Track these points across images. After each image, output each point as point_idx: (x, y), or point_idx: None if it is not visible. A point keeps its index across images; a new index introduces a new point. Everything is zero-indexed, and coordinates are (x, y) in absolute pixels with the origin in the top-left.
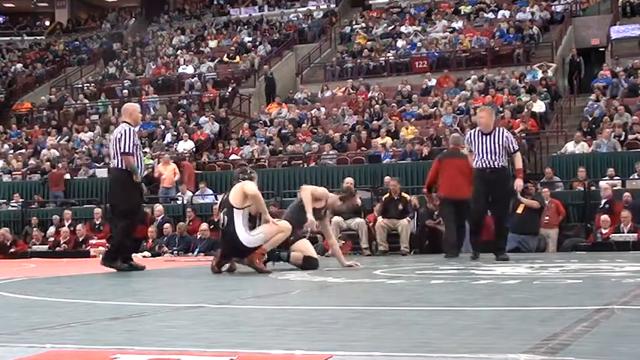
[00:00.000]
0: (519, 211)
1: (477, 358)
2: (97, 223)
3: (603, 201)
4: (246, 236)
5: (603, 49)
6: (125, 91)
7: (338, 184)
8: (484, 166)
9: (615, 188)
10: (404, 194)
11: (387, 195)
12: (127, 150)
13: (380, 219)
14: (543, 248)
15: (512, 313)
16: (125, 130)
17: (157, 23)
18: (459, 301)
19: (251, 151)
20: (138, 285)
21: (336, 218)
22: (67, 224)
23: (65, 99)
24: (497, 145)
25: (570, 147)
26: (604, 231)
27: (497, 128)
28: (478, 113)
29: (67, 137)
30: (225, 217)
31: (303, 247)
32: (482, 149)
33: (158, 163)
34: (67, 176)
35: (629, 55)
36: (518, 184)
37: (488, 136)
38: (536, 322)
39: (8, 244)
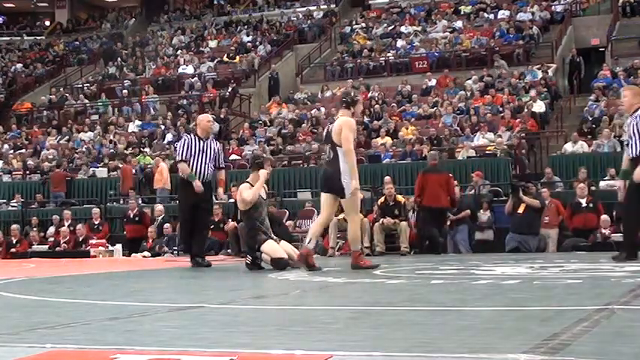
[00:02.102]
0: (520, 211)
1: (477, 358)
2: (96, 223)
3: (583, 200)
4: (345, 176)
5: (603, 49)
6: (125, 91)
7: None
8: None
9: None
10: (399, 197)
11: (382, 200)
12: (179, 157)
13: (379, 222)
14: (543, 248)
15: (512, 313)
16: (183, 139)
17: (157, 23)
18: (459, 301)
19: (251, 151)
20: (138, 285)
21: (334, 220)
22: (66, 224)
23: (65, 99)
24: None
25: (569, 147)
26: (604, 231)
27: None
28: (622, 92)
29: (67, 137)
30: (331, 151)
31: (270, 249)
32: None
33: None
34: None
35: (629, 55)
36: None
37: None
38: (536, 322)
39: (14, 241)
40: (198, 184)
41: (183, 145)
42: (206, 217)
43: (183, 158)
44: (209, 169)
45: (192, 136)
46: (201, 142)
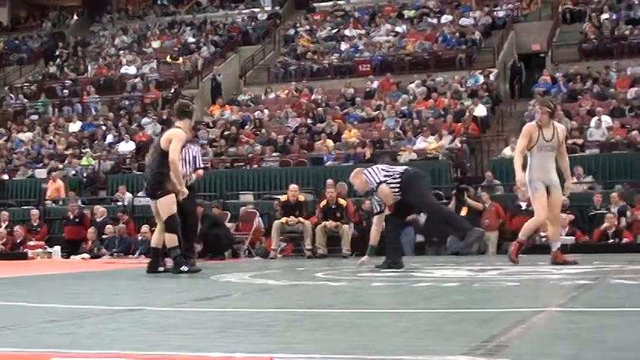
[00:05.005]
0: (463, 213)
1: (417, 359)
2: (35, 224)
3: (524, 204)
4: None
5: (544, 55)
6: (66, 91)
7: (281, 186)
8: None
9: None
10: (341, 200)
11: (324, 202)
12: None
13: (321, 225)
14: (483, 251)
15: (452, 316)
16: None
17: (99, 23)
18: (400, 304)
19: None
20: (77, 287)
21: (277, 222)
22: (3, 225)
23: (4, 99)
24: None
25: (507, 151)
26: (543, 234)
27: None
28: None
29: (5, 137)
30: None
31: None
32: None
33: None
34: (6, 177)
35: (569, 60)
36: None
37: None
38: (475, 324)
39: None
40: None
41: None
42: (194, 220)
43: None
44: (189, 173)
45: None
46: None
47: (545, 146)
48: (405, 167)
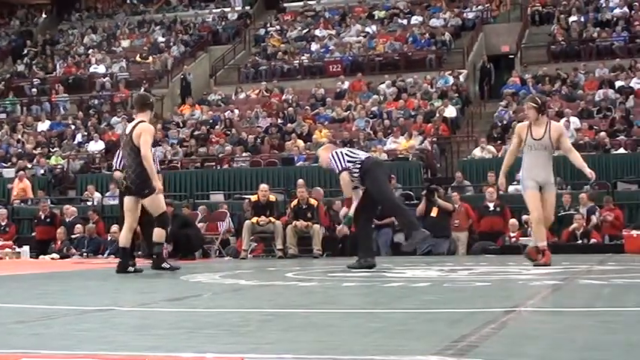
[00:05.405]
0: (434, 214)
1: (388, 359)
2: (3, 224)
3: (491, 204)
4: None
5: (513, 56)
6: (34, 89)
7: (252, 186)
8: None
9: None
10: (311, 200)
11: (295, 202)
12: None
13: (291, 224)
14: (454, 251)
15: (423, 315)
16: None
17: (68, 21)
18: (371, 304)
19: (163, 153)
20: (46, 288)
21: (248, 222)
22: None
23: None
24: None
25: (477, 152)
26: (512, 235)
27: None
28: None
29: None
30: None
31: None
32: None
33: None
34: None
35: (538, 62)
36: None
37: None
38: (445, 324)
39: None
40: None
41: (119, 154)
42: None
43: (117, 167)
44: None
45: None
46: None
47: (535, 145)
48: (367, 155)
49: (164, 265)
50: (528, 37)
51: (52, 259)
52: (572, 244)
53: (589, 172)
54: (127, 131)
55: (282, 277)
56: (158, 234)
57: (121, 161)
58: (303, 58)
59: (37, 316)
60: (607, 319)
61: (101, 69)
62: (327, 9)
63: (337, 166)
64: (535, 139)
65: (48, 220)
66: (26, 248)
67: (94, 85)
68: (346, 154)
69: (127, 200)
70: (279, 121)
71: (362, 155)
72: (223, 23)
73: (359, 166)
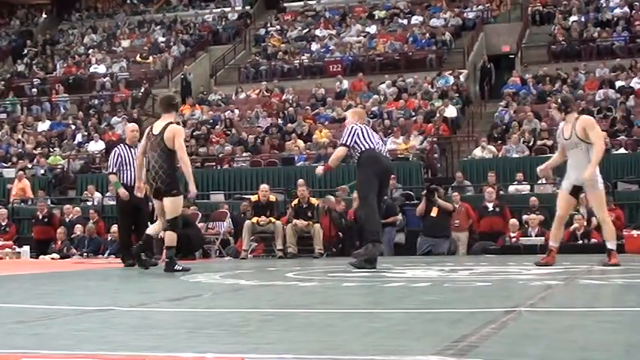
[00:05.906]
0: (434, 214)
1: (388, 359)
2: (3, 224)
3: (490, 205)
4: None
5: (513, 56)
6: (34, 89)
7: (252, 186)
8: None
9: (524, 193)
10: (312, 200)
11: (295, 202)
12: (109, 170)
13: (291, 223)
14: (454, 251)
15: (423, 316)
16: (114, 151)
17: (68, 21)
18: (371, 304)
19: None
20: (46, 287)
21: (248, 222)
22: None
23: None
24: None
25: (478, 152)
26: (512, 235)
27: None
28: None
29: None
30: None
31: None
32: None
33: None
34: None
35: (538, 62)
36: None
37: None
38: (446, 324)
39: None
40: (122, 192)
41: (113, 156)
42: (146, 218)
43: (112, 171)
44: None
45: (123, 145)
46: (132, 149)
47: (567, 145)
48: (374, 146)
49: (176, 267)
50: (529, 37)
51: (52, 259)
52: (572, 244)
53: (588, 172)
54: (156, 132)
55: (283, 277)
56: (169, 237)
57: (117, 164)
58: (303, 58)
59: (37, 316)
60: (607, 319)
61: (101, 69)
62: (327, 9)
63: (344, 137)
64: (566, 139)
65: (46, 220)
66: (26, 248)
67: (94, 85)
68: (359, 134)
69: (158, 204)
70: (280, 121)
71: (369, 144)
72: (223, 23)
73: (359, 152)
